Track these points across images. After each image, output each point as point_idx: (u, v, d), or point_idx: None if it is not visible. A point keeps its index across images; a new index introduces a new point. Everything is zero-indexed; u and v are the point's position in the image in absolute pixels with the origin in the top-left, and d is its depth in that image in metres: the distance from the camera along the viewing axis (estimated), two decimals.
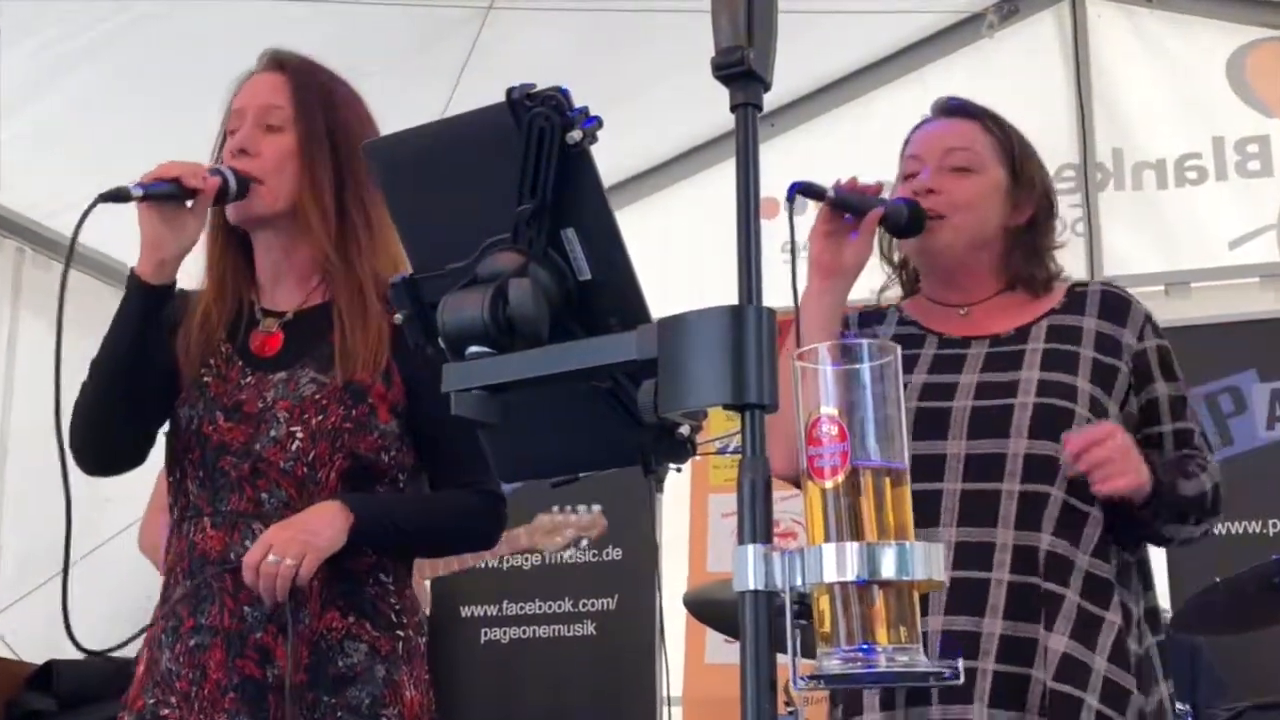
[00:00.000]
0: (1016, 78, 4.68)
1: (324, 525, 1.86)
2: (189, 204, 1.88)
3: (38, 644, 4.03)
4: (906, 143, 2.15)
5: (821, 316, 1.97)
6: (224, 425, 1.94)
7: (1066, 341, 1.98)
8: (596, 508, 3.84)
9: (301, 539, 1.84)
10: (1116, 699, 1.84)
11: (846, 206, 1.99)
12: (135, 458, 2.02)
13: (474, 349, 1.07)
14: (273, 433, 1.92)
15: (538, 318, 1.07)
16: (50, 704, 3.88)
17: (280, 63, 2.04)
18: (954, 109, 2.12)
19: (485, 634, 4.40)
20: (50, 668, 3.94)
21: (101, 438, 1.97)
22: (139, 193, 1.84)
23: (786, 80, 4.74)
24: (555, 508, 3.97)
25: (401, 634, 1.97)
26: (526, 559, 4.39)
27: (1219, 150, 4.63)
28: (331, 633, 1.90)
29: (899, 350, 1.01)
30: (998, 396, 1.94)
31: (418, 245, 1.16)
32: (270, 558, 1.82)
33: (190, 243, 1.90)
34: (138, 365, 1.93)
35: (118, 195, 1.83)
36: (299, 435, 1.91)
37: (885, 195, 2.06)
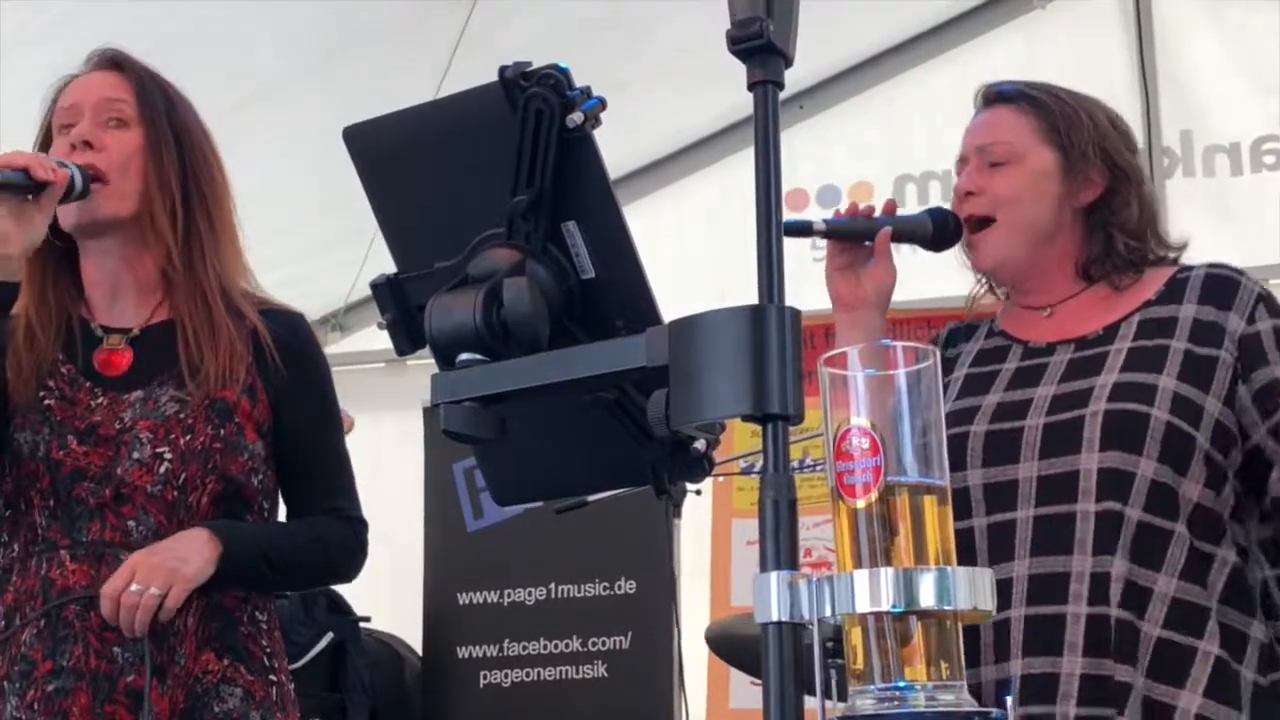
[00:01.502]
0: (1072, 54, 4.66)
1: (192, 553, 1.89)
2: (30, 198, 1.89)
3: None
4: None
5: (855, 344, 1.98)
6: (77, 449, 1.95)
7: (1158, 335, 1.95)
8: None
9: (169, 566, 1.86)
10: None
11: (844, 236, 2.02)
12: None
13: (465, 356, 1.07)
14: (136, 455, 1.94)
15: (535, 320, 1.07)
16: None
17: (116, 62, 2.07)
18: (995, 98, 2.12)
19: (485, 677, 4.40)
20: None
21: None
22: None
23: (816, 59, 4.74)
24: None
25: (275, 679, 2.01)
26: (530, 593, 4.39)
27: None
28: (208, 675, 1.94)
29: (937, 353, 1.01)
30: (1070, 408, 1.93)
31: (402, 241, 1.16)
32: (133, 587, 1.84)
33: (36, 240, 1.91)
34: None
35: None
36: (167, 456, 1.94)
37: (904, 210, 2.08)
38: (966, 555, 1.88)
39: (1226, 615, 1.90)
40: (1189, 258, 2.12)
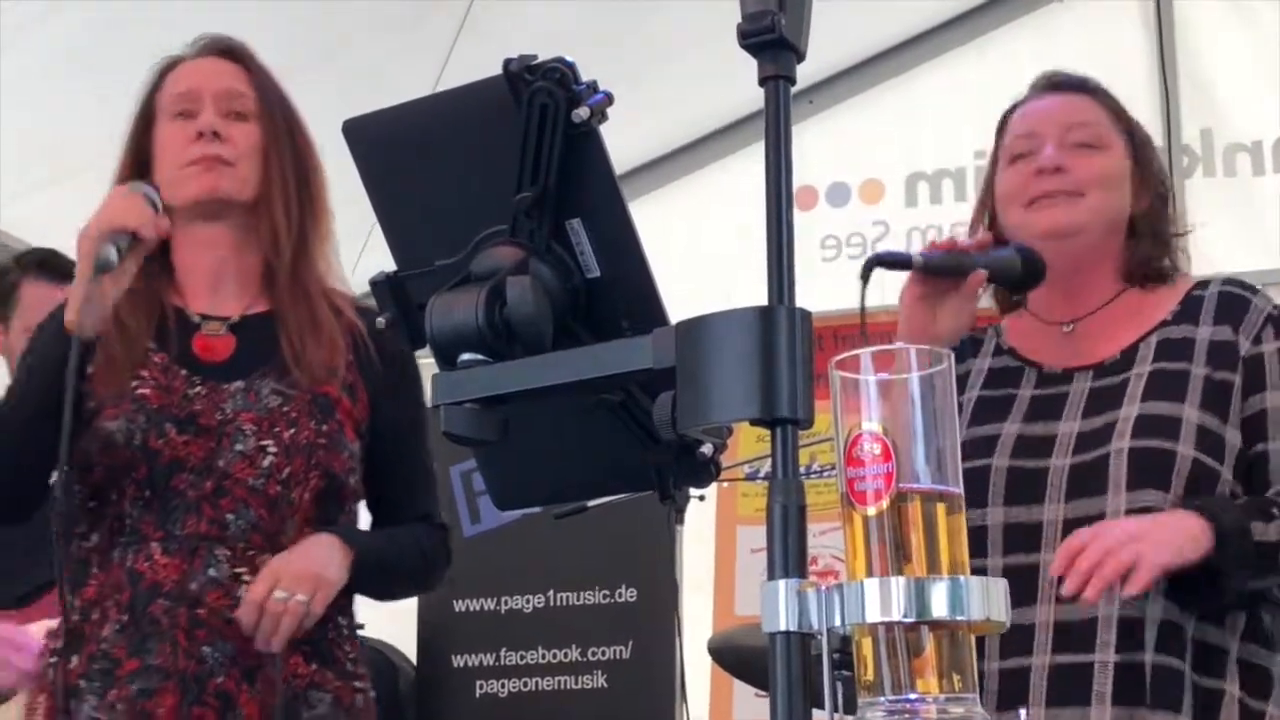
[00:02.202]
0: (1090, 48, 4.67)
1: (330, 559, 1.91)
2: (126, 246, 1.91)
3: None
4: (1005, 124, 2.13)
5: None
6: (177, 439, 1.95)
7: (1176, 359, 1.95)
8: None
9: (314, 572, 1.88)
10: None
11: (940, 273, 1.97)
12: (41, 501, 2.03)
13: (466, 356, 1.07)
14: (239, 446, 1.94)
15: (539, 320, 1.07)
16: None
17: (231, 50, 2.10)
18: (1066, 84, 2.11)
19: (480, 687, 4.40)
20: None
21: (20, 489, 2.00)
22: (114, 257, 1.86)
23: (826, 52, 4.74)
24: None
25: (359, 685, 2.02)
26: (528, 600, 4.39)
27: None
28: (297, 680, 1.94)
29: (951, 358, 1.01)
30: (1095, 447, 1.92)
31: (403, 238, 1.16)
32: (278, 593, 1.84)
33: (124, 287, 1.93)
34: (60, 414, 1.92)
35: (107, 267, 1.87)
36: (271, 450, 1.94)
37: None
38: None
39: (1250, 653, 1.91)
40: (1209, 257, 2.14)
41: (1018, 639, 1.87)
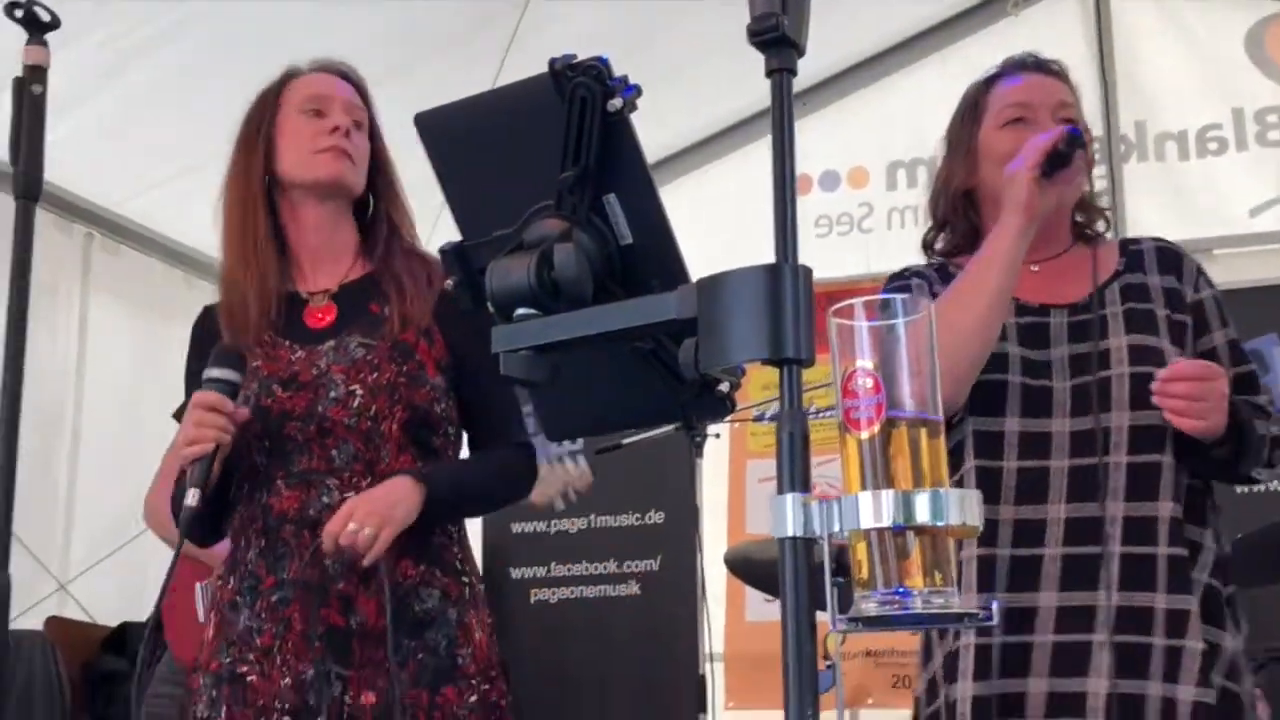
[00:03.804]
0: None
1: (400, 498, 1.89)
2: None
3: (111, 608, 4.08)
4: (988, 87, 2.03)
5: (1020, 254, 1.84)
6: (282, 396, 1.97)
7: (1141, 300, 1.93)
8: (583, 461, 3.80)
9: (381, 512, 1.86)
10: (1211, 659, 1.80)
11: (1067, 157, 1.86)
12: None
13: (521, 311, 1.07)
14: (333, 394, 1.96)
15: (581, 280, 1.06)
16: (124, 665, 3.93)
17: (347, 75, 2.14)
18: (1049, 67, 2.04)
19: (534, 595, 4.42)
20: (124, 630, 3.99)
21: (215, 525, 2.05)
22: (197, 498, 1.85)
23: (819, 60, 4.71)
24: (543, 461, 3.99)
25: (467, 580, 2.02)
26: (573, 523, 4.41)
27: (1239, 121, 4.57)
28: (407, 579, 1.94)
29: (932, 306, 1.00)
30: (1091, 371, 1.88)
31: (466, 213, 1.15)
32: (350, 526, 1.84)
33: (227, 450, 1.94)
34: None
35: (194, 517, 1.85)
36: (359, 393, 1.96)
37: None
38: (992, 490, 1.86)
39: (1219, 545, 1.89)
40: (1144, 228, 2.11)
41: (1032, 532, 1.84)
